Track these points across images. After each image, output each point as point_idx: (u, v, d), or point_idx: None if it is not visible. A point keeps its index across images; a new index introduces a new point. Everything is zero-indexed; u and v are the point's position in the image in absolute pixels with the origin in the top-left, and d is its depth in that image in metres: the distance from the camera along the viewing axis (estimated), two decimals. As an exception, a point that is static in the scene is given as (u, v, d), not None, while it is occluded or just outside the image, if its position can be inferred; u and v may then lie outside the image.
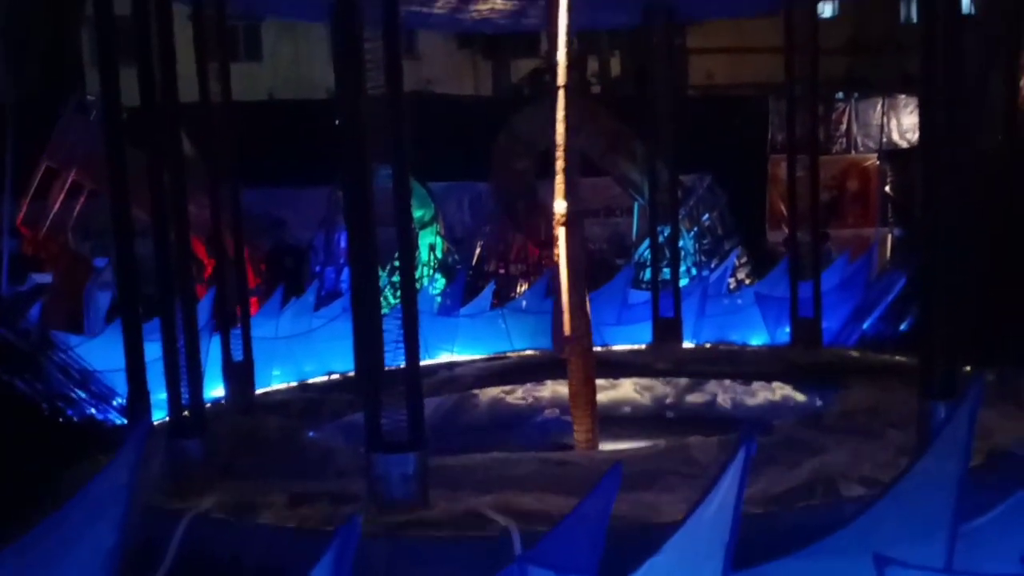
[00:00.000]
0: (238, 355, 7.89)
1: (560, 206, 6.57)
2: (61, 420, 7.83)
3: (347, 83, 5.15)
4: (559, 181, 6.55)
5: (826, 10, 17.90)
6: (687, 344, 9.20)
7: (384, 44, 5.06)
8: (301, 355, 9.36)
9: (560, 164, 6.50)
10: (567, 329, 6.62)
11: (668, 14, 8.73)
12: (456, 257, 14.56)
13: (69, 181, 12.57)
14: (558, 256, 6.64)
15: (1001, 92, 7.23)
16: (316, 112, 14.75)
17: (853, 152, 15.72)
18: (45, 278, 11.20)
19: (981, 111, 9.38)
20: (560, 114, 6.44)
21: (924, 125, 5.60)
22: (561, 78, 6.44)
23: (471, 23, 9.18)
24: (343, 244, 13.05)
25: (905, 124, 15.10)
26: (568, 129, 6.60)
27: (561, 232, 6.60)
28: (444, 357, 9.58)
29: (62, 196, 12.69)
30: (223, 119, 7.94)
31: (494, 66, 22.48)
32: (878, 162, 15.54)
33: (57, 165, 12.49)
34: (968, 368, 6.21)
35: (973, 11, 12.71)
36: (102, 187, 11.84)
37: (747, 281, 12.96)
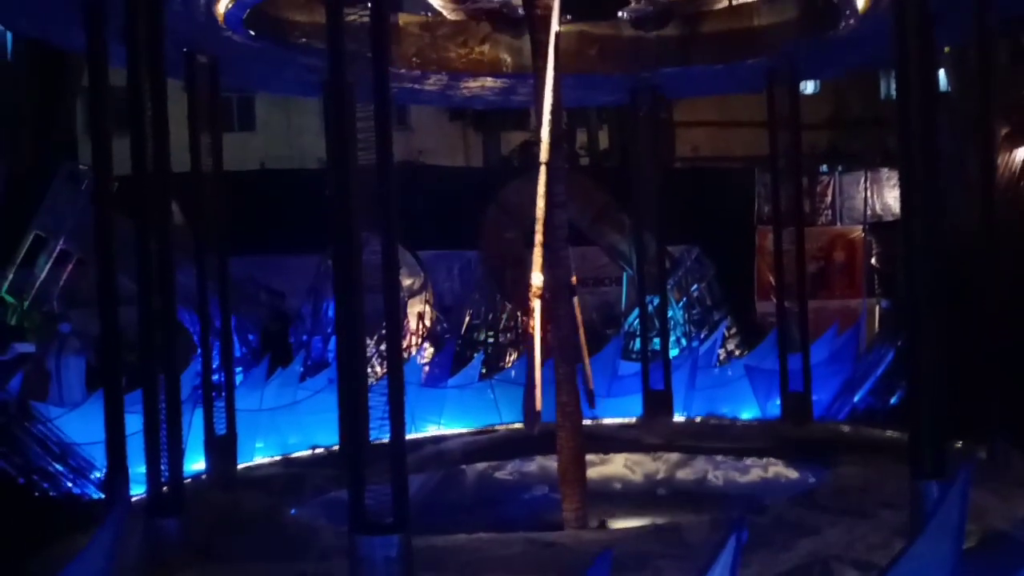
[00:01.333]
0: (221, 428, 7.77)
1: (537, 279, 6.61)
2: (37, 494, 7.62)
3: (338, 154, 5.22)
4: (537, 255, 6.61)
5: (808, 87, 18.44)
6: (678, 417, 9.13)
7: (375, 120, 5.15)
8: (285, 427, 9.21)
9: (539, 238, 6.56)
10: (538, 404, 6.59)
11: (654, 93, 8.97)
12: (445, 326, 14.51)
13: (57, 250, 12.55)
14: (532, 328, 6.64)
15: (977, 168, 7.40)
16: (307, 181, 14.89)
17: (839, 224, 15.96)
18: (28, 348, 11.05)
19: (959, 186, 9.60)
20: (541, 189, 6.54)
21: (904, 199, 5.72)
22: (544, 155, 6.56)
23: (462, 99, 9.39)
24: (331, 313, 12.99)
25: (888, 198, 15.38)
26: (550, 205, 6.71)
27: (537, 305, 6.62)
28: (431, 430, 9.44)
29: (49, 265, 12.65)
30: (214, 189, 8.02)
31: (484, 138, 22.92)
32: (863, 234, 15.77)
33: (46, 234, 12.49)
34: (959, 444, 6.17)
35: (949, 88, 13.14)
36: (89, 256, 11.84)
37: (737, 352, 12.95)
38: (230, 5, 6.26)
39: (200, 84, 7.64)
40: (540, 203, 6.49)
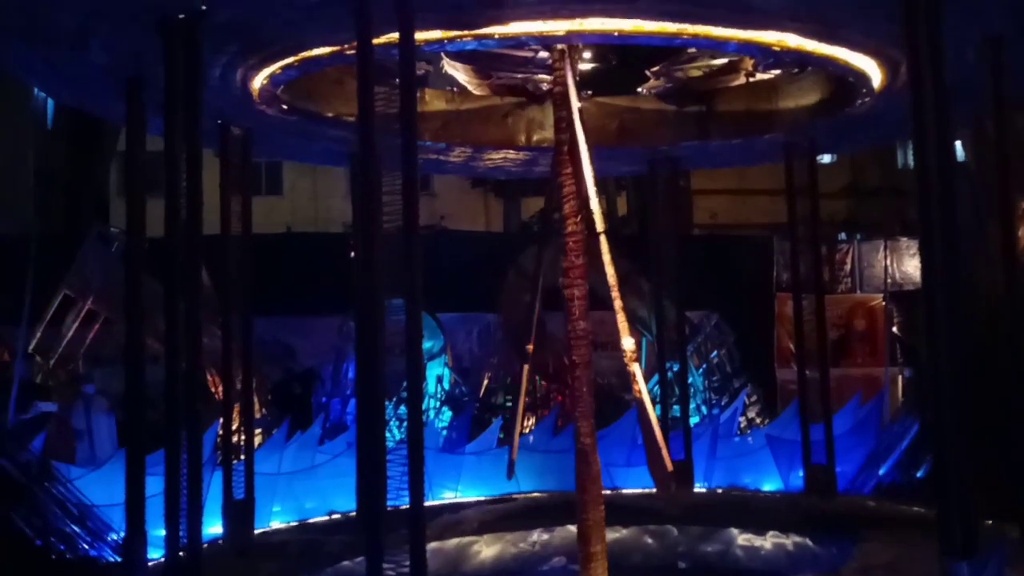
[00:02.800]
0: (239, 492, 7.76)
1: (628, 343, 6.60)
2: (54, 557, 7.60)
3: (364, 220, 5.36)
4: (621, 320, 6.62)
5: (825, 156, 18.60)
6: (699, 488, 9.00)
7: (403, 190, 5.30)
8: (303, 492, 9.17)
9: (618, 304, 6.58)
10: (668, 465, 6.44)
11: (672, 164, 9.13)
12: (463, 389, 14.47)
13: (84, 309, 12.77)
14: (639, 392, 6.59)
15: (998, 239, 7.41)
16: (332, 245, 15.12)
17: (858, 292, 15.91)
18: (50, 407, 11.15)
19: (981, 257, 9.59)
20: (607, 257, 6.61)
21: (924, 270, 5.75)
22: (600, 224, 6.69)
23: (485, 170, 9.60)
24: (351, 375, 13.03)
25: (908, 266, 15.35)
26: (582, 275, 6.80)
27: (636, 369, 6.60)
28: (449, 496, 9.36)
29: (76, 324, 12.85)
30: (241, 251, 8.20)
31: (505, 204, 23.22)
32: (884, 302, 15.68)
33: (74, 294, 12.72)
34: (990, 522, 6.02)
35: (966, 158, 13.23)
36: (116, 316, 12.03)
37: (758, 420, 12.80)
38: (265, 81, 6.52)
39: (232, 153, 7.90)
40: (610, 270, 6.55)
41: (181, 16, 5.35)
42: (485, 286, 15.19)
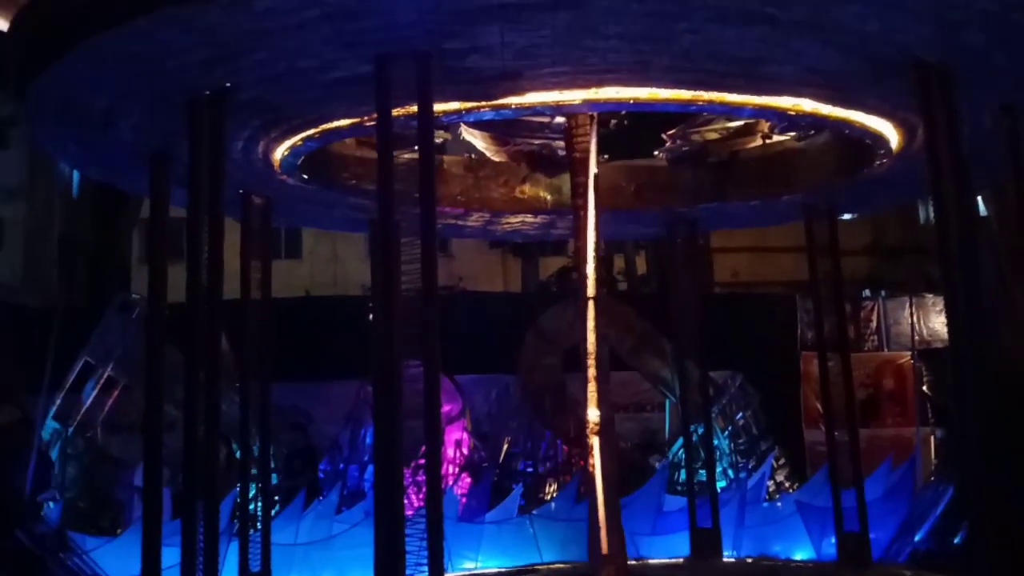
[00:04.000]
0: (256, 563, 7.60)
1: (593, 414, 6.51)
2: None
3: (383, 286, 5.37)
4: (591, 389, 6.54)
5: (845, 214, 18.53)
6: (727, 558, 8.71)
7: (421, 256, 5.32)
8: (320, 563, 8.97)
9: (591, 372, 6.52)
10: (604, 546, 6.33)
11: (691, 225, 9.12)
12: (482, 454, 14.25)
13: (104, 377, 12.82)
14: (593, 467, 6.48)
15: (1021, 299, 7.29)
16: (350, 308, 15.17)
17: (886, 350, 15.62)
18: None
19: (1004, 316, 9.42)
20: (590, 324, 6.57)
21: (951, 330, 5.65)
22: (591, 290, 6.64)
23: (503, 233, 9.64)
24: (368, 441, 12.88)
25: (935, 323, 15.09)
26: (598, 337, 6.72)
27: (595, 442, 6.50)
28: (469, 567, 9.12)
29: (96, 392, 12.88)
30: (260, 317, 8.22)
31: (523, 263, 23.32)
32: (912, 360, 15.38)
33: (95, 361, 12.78)
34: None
35: (987, 214, 13.12)
36: (135, 383, 12.05)
37: (787, 484, 12.44)
38: (286, 153, 6.63)
39: (253, 220, 7.99)
40: (590, 337, 6.51)
41: (207, 94, 5.48)
42: (504, 347, 15.10)
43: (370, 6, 4.51)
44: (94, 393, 12.78)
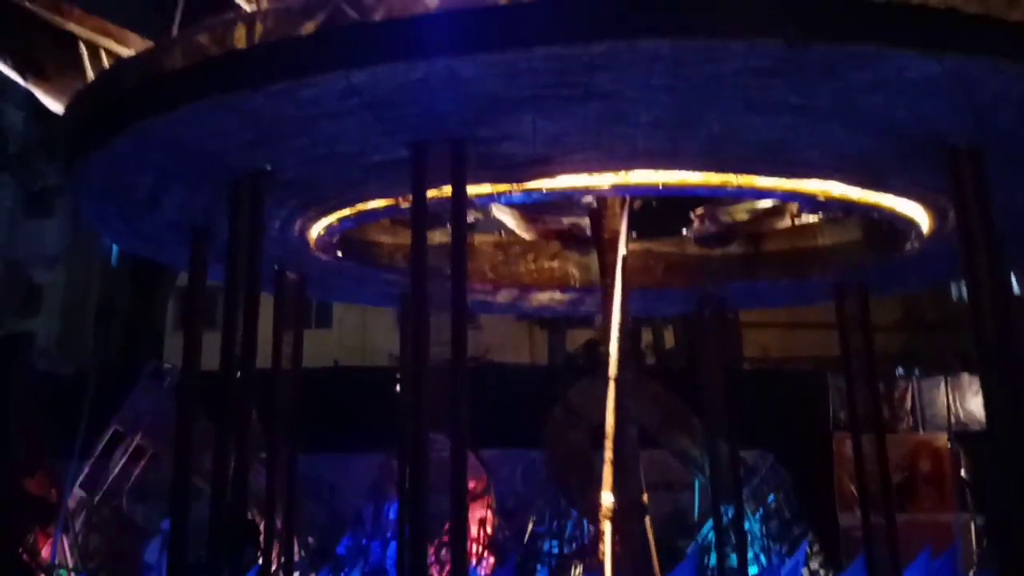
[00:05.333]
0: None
1: (607, 499, 6.39)
2: None
3: (414, 361, 5.39)
4: (607, 472, 6.44)
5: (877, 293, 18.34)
6: (761, 650, 8.36)
7: (452, 331, 5.34)
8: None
9: (608, 455, 6.43)
10: None
11: (720, 304, 9.10)
12: (507, 534, 13.96)
13: (133, 445, 12.90)
14: (603, 554, 6.33)
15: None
16: (377, 379, 15.19)
17: (921, 431, 15.22)
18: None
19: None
20: (610, 404, 6.52)
21: (988, 413, 5.52)
22: (613, 370, 6.61)
23: (531, 309, 9.69)
24: (392, 516, 12.70)
25: (971, 404, 14.71)
26: (626, 414, 6.66)
27: (607, 527, 6.36)
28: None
29: (124, 459, 12.95)
30: (290, 388, 8.27)
31: (550, 336, 23.31)
32: (949, 443, 14.95)
33: (124, 429, 12.90)
34: None
35: (1020, 291, 12.92)
36: (164, 451, 12.11)
37: (822, 573, 11.99)
38: (322, 231, 6.79)
39: (287, 294, 8.13)
40: (609, 419, 6.45)
41: (248, 174, 5.67)
42: (530, 421, 14.95)
43: (409, 96, 4.67)
44: (122, 461, 12.85)
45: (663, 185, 5.91)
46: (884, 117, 4.98)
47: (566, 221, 8.38)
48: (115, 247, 17.11)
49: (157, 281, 16.65)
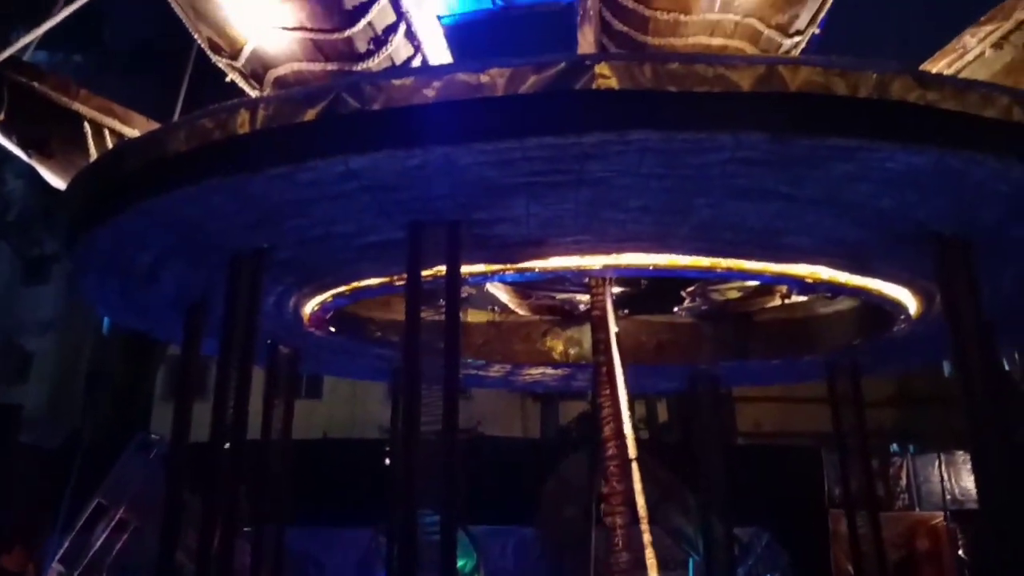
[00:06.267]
0: None
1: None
2: None
3: (406, 436, 5.35)
4: (650, 556, 6.31)
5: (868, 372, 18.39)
6: None
7: (443, 407, 5.33)
8: None
9: (647, 538, 6.31)
10: None
11: (712, 381, 9.12)
12: (497, 616, 13.58)
13: (116, 518, 12.60)
14: None
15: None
16: (366, 452, 15.03)
17: (917, 509, 15.06)
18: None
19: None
20: (638, 487, 6.45)
21: (980, 497, 5.48)
22: (632, 451, 6.59)
23: (523, 384, 9.68)
24: (380, 594, 12.36)
25: (966, 481, 14.60)
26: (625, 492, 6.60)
27: None
28: None
29: (106, 533, 12.62)
30: (279, 461, 8.16)
31: (542, 408, 23.15)
32: (945, 521, 14.77)
33: (108, 502, 12.62)
34: None
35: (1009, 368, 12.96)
36: (148, 525, 11.82)
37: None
38: (316, 307, 6.83)
39: (279, 368, 8.12)
40: (640, 501, 6.40)
41: (246, 252, 5.74)
42: (522, 497, 14.73)
43: (406, 181, 4.79)
44: (104, 535, 12.54)
45: (653, 267, 6.01)
46: (870, 206, 5.10)
47: (558, 297, 8.46)
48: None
49: (148, 350, 16.59)
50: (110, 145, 6.37)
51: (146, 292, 6.55)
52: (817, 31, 5.63)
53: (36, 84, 6.51)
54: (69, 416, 16.74)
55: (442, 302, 5.54)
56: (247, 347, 6.03)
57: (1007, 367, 12.86)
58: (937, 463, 15.09)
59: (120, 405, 16.08)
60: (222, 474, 6.03)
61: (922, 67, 6.03)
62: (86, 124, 6.50)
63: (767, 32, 5.28)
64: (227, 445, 6.01)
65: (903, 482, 15.22)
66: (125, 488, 12.57)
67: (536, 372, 8.89)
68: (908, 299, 6.60)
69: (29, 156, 6.76)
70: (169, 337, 8.17)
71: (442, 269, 5.49)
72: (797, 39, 5.51)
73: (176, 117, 7.71)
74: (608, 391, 6.91)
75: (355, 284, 6.43)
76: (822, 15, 5.55)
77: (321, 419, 20.65)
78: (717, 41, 5.22)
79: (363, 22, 5.23)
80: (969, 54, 5.82)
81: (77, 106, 6.49)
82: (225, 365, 6.10)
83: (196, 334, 6.68)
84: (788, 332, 8.33)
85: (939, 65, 5.95)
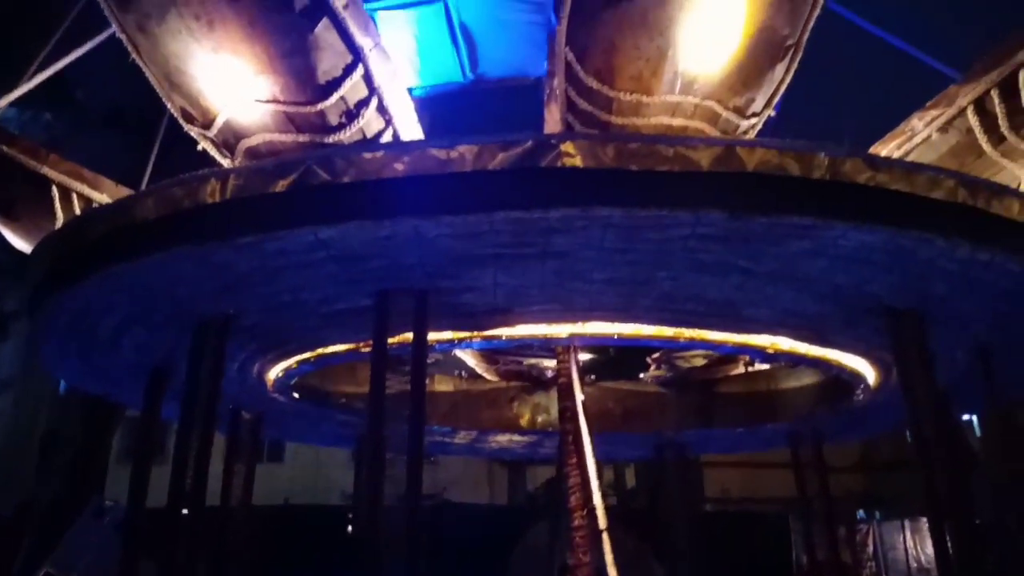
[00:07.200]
0: None
1: None
2: None
3: (369, 507, 5.25)
4: None
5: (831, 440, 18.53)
6: None
7: (407, 474, 5.28)
8: None
9: None
10: None
11: (678, 449, 9.15)
12: None
13: (67, 588, 12.07)
14: None
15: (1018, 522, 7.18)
16: (329, 518, 14.69)
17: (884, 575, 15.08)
18: None
19: (1009, 548, 9.19)
20: (609, 558, 6.39)
21: (938, 560, 5.52)
22: (602, 522, 6.54)
23: (490, 451, 9.61)
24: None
25: (931, 548, 14.64)
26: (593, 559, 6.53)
27: None
28: None
29: (54, 605, 12.07)
30: (239, 527, 7.95)
31: (510, 473, 22.84)
32: (913, 590, 14.78)
33: (58, 572, 12.11)
34: None
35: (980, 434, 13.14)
36: (99, 596, 11.33)
37: None
38: (280, 373, 6.78)
39: (241, 433, 7.99)
40: (612, 572, 6.32)
41: (212, 319, 5.71)
42: (489, 565, 14.45)
43: (374, 251, 4.84)
44: (51, 607, 11.98)
45: (618, 336, 6.09)
46: (826, 281, 5.26)
47: (526, 363, 8.50)
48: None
49: (106, 411, 16.16)
50: (78, 209, 6.36)
51: (107, 357, 6.46)
52: (773, 113, 5.89)
53: (5, 147, 6.51)
54: (21, 480, 16.12)
55: (407, 369, 5.55)
56: (209, 413, 5.94)
57: (978, 433, 13.04)
58: (902, 530, 15.14)
59: (76, 468, 15.56)
60: (180, 541, 5.87)
61: (873, 148, 6.32)
62: (54, 188, 6.49)
63: (725, 114, 5.51)
64: (185, 511, 5.87)
65: (870, 549, 15.22)
66: (78, 558, 12.09)
67: (503, 439, 8.85)
68: (867, 369, 6.74)
69: (-6, 218, 6.70)
70: (129, 401, 8.01)
71: (408, 336, 5.50)
72: (754, 120, 5.75)
73: (146, 180, 7.74)
74: (574, 459, 6.90)
75: (320, 351, 6.41)
76: (777, 99, 5.81)
77: (283, 484, 20.15)
78: (678, 121, 5.43)
79: (336, 96, 5.35)
80: (917, 137, 6.10)
81: (46, 170, 6.49)
82: (186, 430, 6.00)
83: (157, 399, 6.58)
84: (752, 400, 8.44)
85: (889, 147, 6.23)
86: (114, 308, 5.67)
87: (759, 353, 6.50)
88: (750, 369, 8.47)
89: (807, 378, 8.25)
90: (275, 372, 6.79)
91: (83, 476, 15.45)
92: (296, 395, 7.33)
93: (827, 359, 6.49)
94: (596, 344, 7.36)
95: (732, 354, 7.94)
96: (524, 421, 8.64)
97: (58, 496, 14.80)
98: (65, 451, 15.59)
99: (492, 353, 8.46)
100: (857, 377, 6.85)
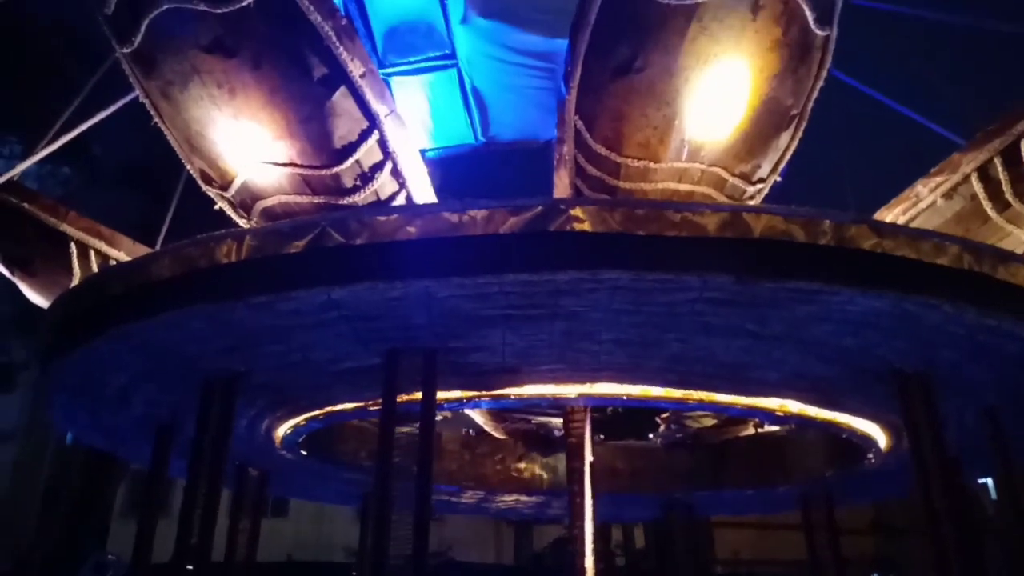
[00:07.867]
0: None
1: None
2: None
3: (375, 560, 5.19)
4: None
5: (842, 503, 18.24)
6: None
7: (414, 531, 5.22)
8: None
9: None
10: None
11: (687, 510, 9.03)
12: None
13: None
14: None
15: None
16: (331, 575, 14.44)
17: (900, 645, 14.62)
18: None
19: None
20: None
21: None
22: None
23: (497, 511, 9.51)
24: None
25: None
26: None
27: None
28: None
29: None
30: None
31: (516, 532, 22.48)
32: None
33: (56, 629, 11.95)
34: None
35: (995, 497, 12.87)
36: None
37: None
38: (288, 431, 6.79)
39: (247, 490, 7.94)
40: None
41: (221, 376, 5.76)
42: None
43: (385, 311, 4.90)
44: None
45: (627, 396, 6.09)
46: (833, 344, 5.27)
47: (534, 421, 8.47)
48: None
49: (110, 464, 16.09)
50: (95, 266, 6.47)
51: (116, 413, 6.49)
52: (779, 179, 5.99)
53: (25, 204, 6.66)
54: (23, 533, 15.96)
55: (416, 427, 5.55)
56: (216, 470, 5.93)
57: (993, 496, 12.80)
58: (917, 598, 14.72)
59: (77, 522, 15.43)
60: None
61: (878, 214, 6.39)
62: (72, 245, 6.62)
63: (731, 180, 5.61)
64: (190, 567, 5.82)
65: (884, 616, 14.80)
66: (75, 615, 11.93)
67: (510, 499, 8.77)
68: (877, 433, 6.70)
69: (12, 274, 6.82)
70: (135, 458, 8.01)
71: (417, 395, 5.52)
72: (760, 186, 5.85)
73: (162, 238, 7.88)
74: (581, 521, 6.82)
75: (329, 408, 6.43)
76: (783, 165, 5.92)
77: (287, 539, 19.88)
78: (685, 187, 5.53)
79: (351, 160, 5.49)
80: (922, 203, 6.19)
81: (65, 227, 6.63)
82: (193, 487, 5.99)
83: (164, 455, 6.58)
84: (761, 462, 8.36)
85: (894, 212, 6.31)
86: (125, 365, 5.73)
87: (768, 415, 6.48)
88: (760, 431, 8.41)
89: (818, 442, 8.18)
90: (283, 429, 6.80)
91: (83, 530, 15.31)
92: (304, 452, 7.31)
93: (837, 422, 6.46)
94: (605, 404, 7.34)
95: (741, 416, 7.91)
96: (532, 481, 8.57)
97: (57, 550, 14.65)
98: (67, 504, 15.49)
99: (500, 412, 8.44)
100: (868, 441, 6.80)
